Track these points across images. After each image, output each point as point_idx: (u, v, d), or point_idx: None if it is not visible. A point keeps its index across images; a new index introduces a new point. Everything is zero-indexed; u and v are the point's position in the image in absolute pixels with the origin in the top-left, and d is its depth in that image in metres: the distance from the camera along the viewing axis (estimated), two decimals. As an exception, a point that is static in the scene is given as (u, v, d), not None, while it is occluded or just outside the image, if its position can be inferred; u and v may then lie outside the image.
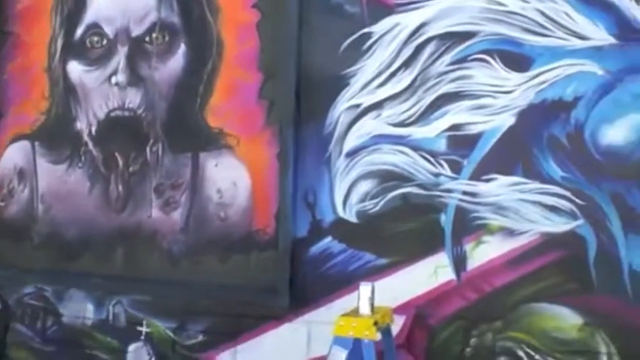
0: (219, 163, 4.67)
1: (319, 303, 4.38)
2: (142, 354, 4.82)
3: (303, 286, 4.43)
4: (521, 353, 4.09)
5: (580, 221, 4.01)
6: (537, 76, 4.12)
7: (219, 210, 4.65)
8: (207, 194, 4.70)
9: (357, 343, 3.62)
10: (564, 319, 4.04)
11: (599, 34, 4.04)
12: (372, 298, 3.72)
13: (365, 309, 3.71)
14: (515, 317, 4.10)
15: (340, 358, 3.60)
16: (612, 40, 4.03)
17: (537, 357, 4.06)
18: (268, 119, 4.54)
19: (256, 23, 4.60)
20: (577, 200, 4.03)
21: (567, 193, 4.03)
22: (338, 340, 3.63)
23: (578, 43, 4.07)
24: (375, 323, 3.64)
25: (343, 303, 4.15)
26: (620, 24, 4.03)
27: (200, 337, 4.69)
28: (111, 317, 4.93)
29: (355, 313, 3.73)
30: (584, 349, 4.03)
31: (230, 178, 4.65)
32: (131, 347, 4.84)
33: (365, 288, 3.72)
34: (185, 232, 4.73)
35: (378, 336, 3.71)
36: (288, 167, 4.39)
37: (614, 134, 4.00)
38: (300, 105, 4.43)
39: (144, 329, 4.80)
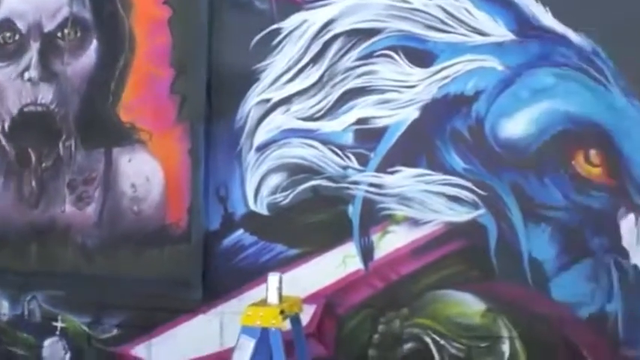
0: (132, 158, 4.70)
1: (232, 294, 4.44)
2: (58, 349, 4.83)
3: (215, 279, 4.50)
4: (427, 339, 4.22)
5: (481, 211, 4.16)
6: (440, 71, 4.25)
7: (133, 204, 4.69)
8: (120, 189, 4.73)
9: (264, 332, 3.70)
10: (468, 306, 4.18)
11: (499, 31, 4.18)
12: (279, 288, 3.79)
13: (273, 299, 3.79)
14: (420, 304, 4.23)
15: (248, 347, 3.68)
16: (512, 37, 4.18)
17: (442, 342, 4.20)
18: (180, 114, 4.59)
19: (168, 19, 4.63)
20: (478, 191, 4.17)
21: (469, 184, 4.17)
22: (246, 330, 3.71)
23: (479, 40, 4.21)
24: (282, 312, 3.71)
25: (255, 294, 4.22)
26: (519, 20, 4.19)
27: (115, 331, 4.73)
28: (26, 313, 4.91)
29: (264, 303, 3.80)
30: (487, 334, 4.18)
31: (143, 173, 4.68)
32: (47, 342, 4.85)
33: (273, 278, 3.80)
34: (99, 227, 4.75)
35: (286, 324, 3.79)
36: (199, 162, 4.45)
37: (513, 127, 4.17)
38: (211, 100, 4.47)
39: (59, 324, 4.81)
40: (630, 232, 4.08)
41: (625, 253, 4.08)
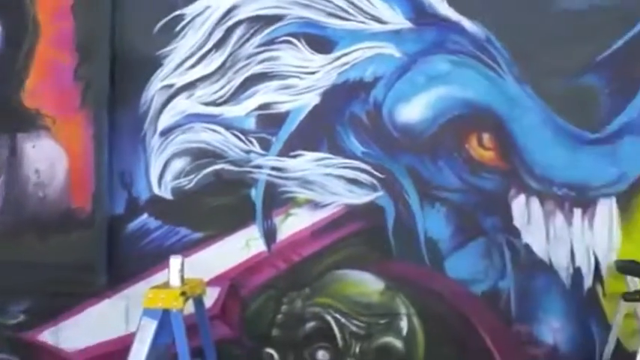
0: (36, 144, 4.69)
1: (138, 278, 4.49)
2: (-36, 336, 4.79)
3: (121, 263, 4.54)
4: (328, 318, 4.34)
5: (380, 193, 4.30)
6: (340, 57, 4.36)
7: (38, 190, 4.68)
8: (25, 175, 4.71)
9: (166, 313, 3.75)
10: (367, 285, 4.32)
11: (397, 19, 4.32)
12: (181, 271, 3.86)
13: (175, 281, 3.86)
14: (322, 284, 4.35)
15: (150, 328, 3.75)
16: (409, 25, 4.33)
17: (343, 320, 4.33)
18: (84, 100, 4.59)
19: (71, 4, 4.62)
20: (377, 174, 4.32)
21: (368, 167, 4.31)
22: (148, 312, 3.78)
23: (377, 27, 4.34)
24: (184, 294, 3.77)
25: (160, 277, 4.26)
26: (416, 9, 4.35)
27: (22, 317, 4.70)
28: None
29: (166, 285, 3.85)
30: (386, 312, 4.34)
31: (48, 159, 4.68)
32: (-48, 331, 4.80)
33: (175, 261, 3.86)
34: (3, 213, 4.72)
35: (188, 306, 3.86)
36: (103, 147, 4.47)
37: (410, 112, 4.32)
38: (115, 85, 4.49)
39: (-36, 311, 4.77)
40: (521, 213, 4.24)
41: (517, 233, 4.27)
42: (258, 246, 4.36)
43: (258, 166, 4.34)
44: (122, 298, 4.48)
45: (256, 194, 4.34)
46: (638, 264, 3.89)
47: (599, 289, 4.26)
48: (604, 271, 4.25)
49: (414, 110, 4.24)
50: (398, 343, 4.26)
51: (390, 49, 4.27)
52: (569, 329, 4.24)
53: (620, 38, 4.27)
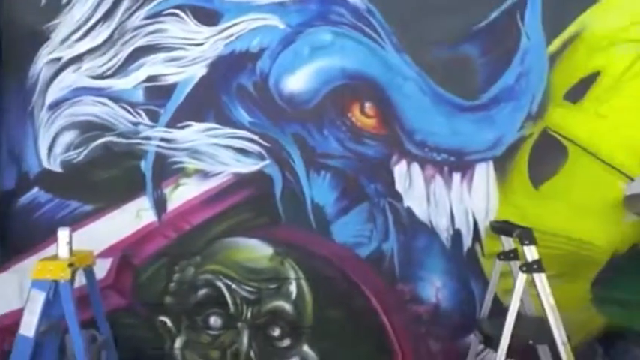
0: None
1: (30, 252, 4.52)
2: None
3: (13, 238, 4.54)
4: (219, 284, 4.47)
5: (267, 162, 4.43)
6: (226, 29, 4.43)
7: None
8: None
9: (55, 284, 3.80)
10: (256, 251, 4.46)
11: (279, -10, 4.40)
12: (69, 243, 3.91)
13: (63, 253, 3.91)
14: (212, 252, 4.46)
15: (39, 299, 3.80)
16: (294, -4, 4.40)
17: (234, 286, 4.46)
18: (-30, 74, 4.56)
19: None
20: (263, 143, 4.44)
21: (255, 137, 4.43)
22: (36, 283, 3.83)
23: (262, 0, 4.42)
24: (71, 265, 3.83)
25: (53, 250, 4.26)
26: (300, -19, 4.41)
27: None
28: None
29: (55, 257, 3.91)
30: (275, 276, 4.48)
31: None
32: None
33: (63, 233, 3.92)
34: None
35: (80, 277, 3.91)
36: (-10, 121, 4.46)
37: (295, 82, 4.44)
38: (2, 59, 4.47)
39: None
40: (403, 177, 4.42)
41: (399, 197, 4.45)
42: (149, 216, 4.44)
43: (147, 138, 4.41)
44: (15, 272, 4.51)
45: (146, 166, 4.41)
46: (510, 224, 4.08)
47: (478, 248, 4.45)
48: (482, 232, 4.44)
49: (298, 80, 4.36)
50: (287, 307, 4.40)
51: (275, 21, 4.37)
52: (451, 287, 4.44)
53: (496, 9, 4.41)
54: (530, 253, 3.82)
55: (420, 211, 4.40)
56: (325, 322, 4.37)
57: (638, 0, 4.52)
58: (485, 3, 4.43)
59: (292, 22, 4.37)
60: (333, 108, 4.35)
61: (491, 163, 4.41)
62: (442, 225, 4.42)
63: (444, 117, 4.37)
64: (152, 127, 4.40)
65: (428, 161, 4.39)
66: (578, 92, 4.45)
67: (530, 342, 3.95)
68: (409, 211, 4.40)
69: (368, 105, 4.35)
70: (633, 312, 4.41)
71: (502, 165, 4.43)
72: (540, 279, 3.81)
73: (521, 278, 3.82)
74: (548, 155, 4.42)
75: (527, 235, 3.84)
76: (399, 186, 4.40)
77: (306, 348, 4.42)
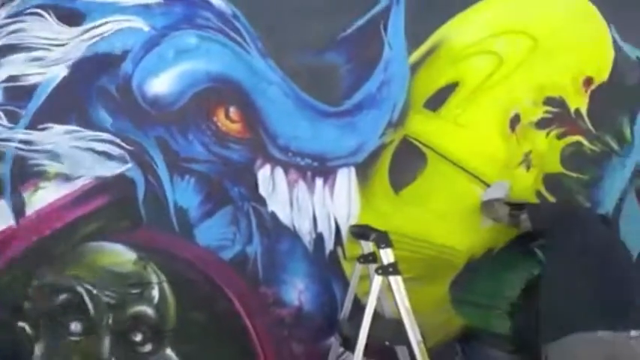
0: None
1: None
2: None
3: None
4: (80, 289, 4.41)
5: (129, 165, 4.39)
6: (89, 30, 4.38)
7: None
8: None
9: None
10: (119, 255, 4.42)
11: (147, -7, 4.38)
12: None
13: None
14: (74, 257, 4.41)
15: None
16: (158, -1, 4.39)
17: (95, 292, 4.41)
18: None
19: None
20: (126, 146, 4.40)
21: (117, 140, 4.39)
22: None
23: (127, 1, 4.41)
24: None
25: None
26: (166, -16, 4.40)
27: None
28: None
29: None
30: (138, 281, 4.44)
31: None
32: None
33: None
34: None
35: None
36: None
37: (159, 85, 4.43)
38: None
39: None
40: (266, 181, 4.48)
41: (262, 201, 4.50)
42: (7, 220, 4.32)
43: (6, 140, 4.32)
44: None
45: (4, 168, 4.29)
46: (368, 228, 4.18)
47: (340, 252, 4.53)
48: (344, 236, 4.52)
49: (163, 83, 4.36)
50: (150, 311, 4.39)
51: (139, 23, 4.36)
52: (313, 290, 4.52)
53: (362, 17, 4.50)
54: (387, 256, 3.92)
55: (284, 215, 4.46)
56: (188, 326, 4.38)
57: (497, 13, 4.66)
58: (350, 11, 4.49)
59: (157, 24, 4.36)
60: (198, 112, 4.37)
61: (353, 169, 4.50)
62: (305, 229, 4.48)
63: (307, 122, 4.45)
64: (11, 128, 4.27)
65: (291, 165, 4.44)
66: (437, 101, 4.59)
67: (387, 343, 4.05)
68: (273, 214, 4.46)
69: (232, 109, 4.41)
70: (487, 313, 4.58)
71: (364, 171, 4.52)
72: (396, 281, 3.92)
73: (377, 280, 3.92)
74: (408, 161, 4.55)
75: (383, 239, 3.94)
76: (263, 190, 4.45)
77: (168, 351, 4.42)
